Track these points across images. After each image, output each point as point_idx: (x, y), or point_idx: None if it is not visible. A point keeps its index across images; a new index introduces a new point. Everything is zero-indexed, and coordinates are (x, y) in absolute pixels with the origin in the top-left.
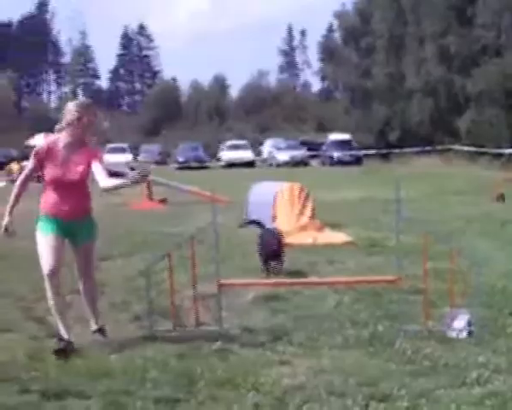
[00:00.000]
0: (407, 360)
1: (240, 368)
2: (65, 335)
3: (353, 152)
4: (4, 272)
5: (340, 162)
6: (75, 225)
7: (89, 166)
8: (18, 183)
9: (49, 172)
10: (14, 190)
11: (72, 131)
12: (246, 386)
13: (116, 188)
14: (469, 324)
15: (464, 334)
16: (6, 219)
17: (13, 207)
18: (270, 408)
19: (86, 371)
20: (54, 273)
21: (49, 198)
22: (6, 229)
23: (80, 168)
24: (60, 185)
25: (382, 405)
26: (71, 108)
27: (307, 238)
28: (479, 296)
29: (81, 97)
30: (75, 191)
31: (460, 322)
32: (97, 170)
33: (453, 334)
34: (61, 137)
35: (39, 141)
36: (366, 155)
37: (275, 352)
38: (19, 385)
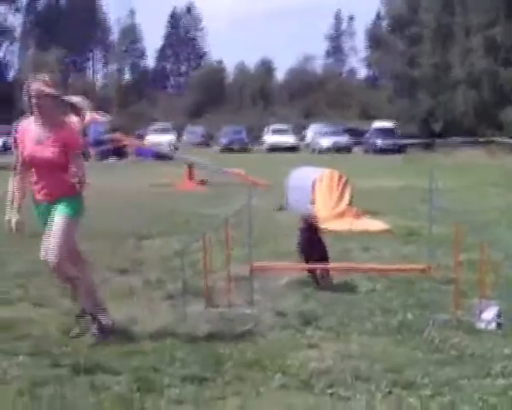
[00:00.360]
0: (434, 348)
1: (268, 350)
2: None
3: (396, 140)
4: (38, 250)
5: (383, 150)
6: (53, 208)
7: (65, 148)
8: (15, 183)
9: (26, 150)
10: (15, 187)
11: (38, 109)
12: (273, 368)
13: (80, 174)
14: (498, 315)
15: (493, 325)
16: (15, 218)
17: (19, 203)
18: (296, 390)
19: (117, 347)
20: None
21: (33, 181)
22: (17, 228)
23: (54, 149)
24: (36, 165)
25: (405, 392)
26: (34, 86)
27: (344, 225)
28: (509, 289)
29: (127, 76)
30: (53, 173)
31: (489, 313)
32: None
33: (482, 325)
34: (34, 117)
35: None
36: (409, 144)
37: (304, 336)
38: (50, 359)
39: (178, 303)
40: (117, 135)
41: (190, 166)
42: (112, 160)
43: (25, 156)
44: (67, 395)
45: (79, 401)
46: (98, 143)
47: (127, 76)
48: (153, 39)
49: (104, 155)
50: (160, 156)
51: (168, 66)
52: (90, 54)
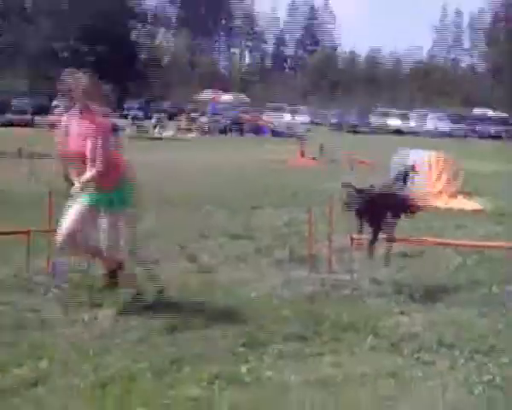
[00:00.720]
0: None
1: (363, 314)
2: None
3: (496, 127)
4: (168, 213)
5: (483, 136)
6: (104, 196)
7: (97, 138)
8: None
9: (67, 144)
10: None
11: (72, 102)
12: (366, 331)
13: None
14: None
15: None
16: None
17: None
18: (386, 352)
19: (227, 305)
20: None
21: (82, 171)
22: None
23: (86, 141)
24: (78, 158)
25: (486, 358)
26: (71, 82)
27: (441, 203)
28: None
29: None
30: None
31: None
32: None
33: None
34: (72, 110)
35: (207, 96)
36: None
37: (397, 303)
38: (166, 312)
39: (284, 268)
40: (245, 115)
41: (302, 144)
42: (232, 135)
43: (66, 149)
44: (180, 344)
45: (190, 350)
46: (217, 119)
47: (248, 59)
48: (273, 26)
49: (223, 131)
50: (275, 133)
51: (286, 51)
52: (216, 37)
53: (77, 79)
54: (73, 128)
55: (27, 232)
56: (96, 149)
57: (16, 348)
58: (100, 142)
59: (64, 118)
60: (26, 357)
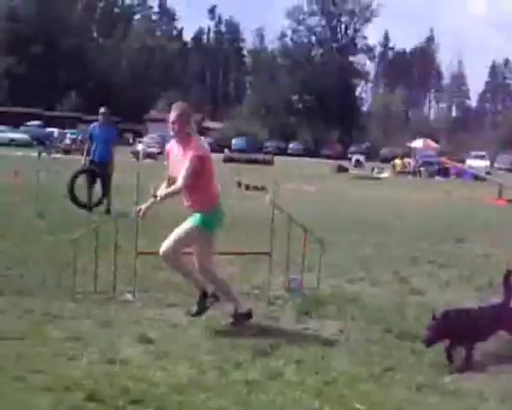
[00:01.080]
0: None
1: None
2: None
3: None
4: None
5: None
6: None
7: (186, 161)
8: (164, 187)
9: (170, 166)
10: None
11: (174, 132)
12: None
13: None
14: None
15: None
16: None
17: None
18: None
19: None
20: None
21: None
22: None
23: (181, 167)
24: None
25: None
26: (172, 114)
27: None
28: None
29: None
30: (187, 188)
31: None
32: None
33: None
34: (174, 138)
35: (418, 144)
36: None
37: None
38: (382, 325)
39: (483, 295)
40: (443, 158)
41: (500, 187)
42: (438, 178)
43: (169, 171)
44: (392, 355)
45: (401, 360)
46: (427, 163)
47: (454, 112)
48: (476, 83)
49: (432, 174)
50: (476, 177)
51: (487, 106)
52: (427, 93)
53: (174, 109)
54: (174, 153)
55: (268, 253)
56: (183, 171)
57: (261, 348)
58: (187, 165)
59: (169, 144)
60: (269, 356)
